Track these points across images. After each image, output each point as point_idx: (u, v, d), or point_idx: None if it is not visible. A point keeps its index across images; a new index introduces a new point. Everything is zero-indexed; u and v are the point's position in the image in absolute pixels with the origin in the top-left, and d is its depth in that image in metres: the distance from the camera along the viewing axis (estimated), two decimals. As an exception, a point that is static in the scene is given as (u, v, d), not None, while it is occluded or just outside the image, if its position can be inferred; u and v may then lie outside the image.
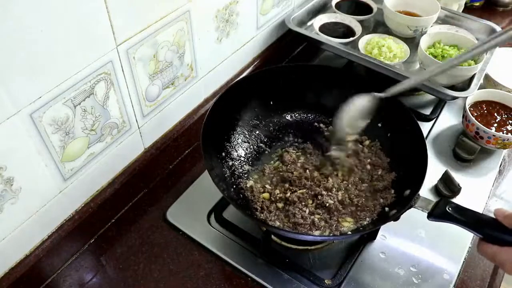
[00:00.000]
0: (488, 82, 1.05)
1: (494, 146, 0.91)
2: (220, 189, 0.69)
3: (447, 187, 0.86)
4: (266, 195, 0.79)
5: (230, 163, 0.83)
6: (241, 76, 1.02)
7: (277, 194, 0.78)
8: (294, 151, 0.87)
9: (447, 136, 0.99)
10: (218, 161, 0.80)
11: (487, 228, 0.58)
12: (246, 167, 0.84)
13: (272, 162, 0.86)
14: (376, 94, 0.76)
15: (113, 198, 0.81)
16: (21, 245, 0.69)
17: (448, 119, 1.03)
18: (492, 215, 0.59)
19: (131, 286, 0.75)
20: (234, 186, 0.80)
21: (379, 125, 0.87)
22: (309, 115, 0.93)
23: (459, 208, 0.62)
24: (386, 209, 0.74)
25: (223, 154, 0.83)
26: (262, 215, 0.75)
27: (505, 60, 1.10)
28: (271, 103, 0.91)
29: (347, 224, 0.75)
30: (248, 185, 0.80)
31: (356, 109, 0.77)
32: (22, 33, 0.53)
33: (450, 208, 0.62)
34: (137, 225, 0.83)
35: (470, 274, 0.77)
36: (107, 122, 0.73)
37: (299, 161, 0.84)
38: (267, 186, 0.80)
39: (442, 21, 1.16)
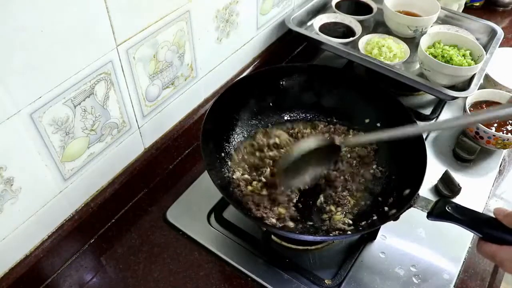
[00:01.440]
0: (488, 82, 1.05)
1: (494, 146, 0.91)
2: (220, 189, 0.69)
3: (447, 187, 0.86)
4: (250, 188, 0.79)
5: (230, 163, 0.83)
6: (240, 76, 1.02)
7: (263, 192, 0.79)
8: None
9: (447, 136, 0.99)
10: (217, 162, 0.80)
11: (486, 228, 0.58)
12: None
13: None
14: (335, 138, 0.71)
15: (113, 198, 0.81)
16: (21, 245, 0.69)
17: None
18: (492, 215, 0.59)
19: (131, 286, 0.75)
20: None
21: (378, 125, 0.87)
22: (308, 115, 0.93)
23: (458, 208, 0.62)
24: (386, 208, 0.74)
25: (223, 154, 0.83)
26: (258, 213, 0.75)
27: (505, 60, 1.10)
28: (270, 103, 0.91)
29: (339, 217, 0.75)
30: (234, 177, 0.80)
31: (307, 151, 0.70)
32: (22, 33, 0.53)
33: (449, 208, 0.62)
34: (137, 225, 0.83)
35: (470, 274, 0.77)
36: (107, 122, 0.73)
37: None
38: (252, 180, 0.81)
39: (442, 21, 1.16)
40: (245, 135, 0.88)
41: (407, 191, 0.72)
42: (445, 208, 0.62)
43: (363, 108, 0.89)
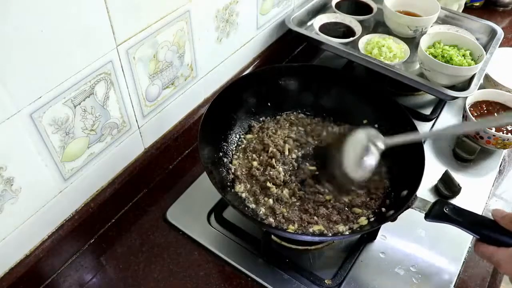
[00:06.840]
0: (488, 82, 1.05)
1: (494, 146, 0.91)
2: (218, 189, 0.69)
3: (447, 187, 0.86)
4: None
5: (228, 162, 0.83)
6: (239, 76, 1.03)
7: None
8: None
9: (447, 136, 0.99)
10: (216, 162, 0.80)
11: (484, 229, 0.59)
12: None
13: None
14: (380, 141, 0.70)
15: (113, 198, 0.81)
16: (21, 245, 0.69)
17: (448, 119, 1.03)
18: (490, 216, 0.59)
19: (131, 286, 0.75)
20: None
21: (376, 126, 0.87)
22: (306, 115, 0.93)
23: (456, 209, 0.62)
24: (383, 209, 0.74)
25: (221, 154, 0.83)
26: (259, 212, 0.75)
27: (505, 60, 1.10)
28: (269, 103, 0.91)
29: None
30: (233, 176, 0.81)
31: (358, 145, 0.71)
32: (22, 33, 0.53)
33: (447, 209, 0.62)
34: (137, 225, 0.83)
35: (470, 274, 0.77)
36: (107, 122, 0.73)
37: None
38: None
39: (442, 21, 1.16)
40: (244, 135, 0.88)
41: (405, 192, 0.72)
42: (442, 209, 0.62)
43: (361, 108, 0.88)
